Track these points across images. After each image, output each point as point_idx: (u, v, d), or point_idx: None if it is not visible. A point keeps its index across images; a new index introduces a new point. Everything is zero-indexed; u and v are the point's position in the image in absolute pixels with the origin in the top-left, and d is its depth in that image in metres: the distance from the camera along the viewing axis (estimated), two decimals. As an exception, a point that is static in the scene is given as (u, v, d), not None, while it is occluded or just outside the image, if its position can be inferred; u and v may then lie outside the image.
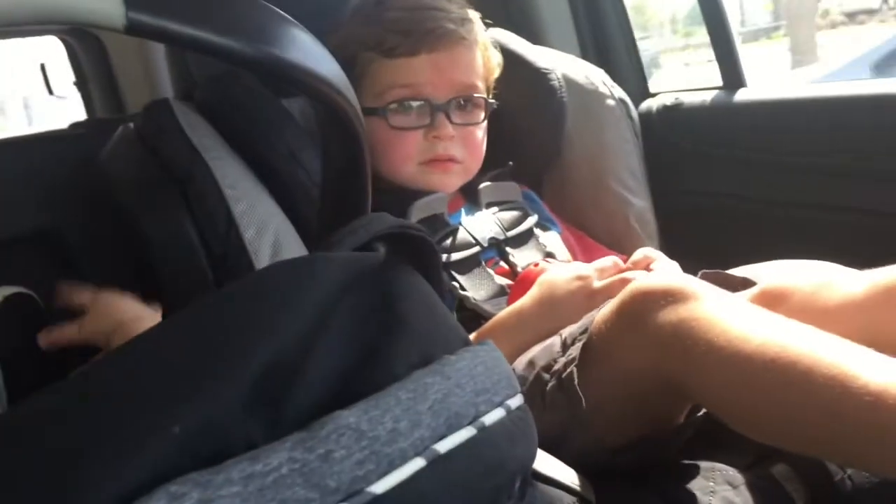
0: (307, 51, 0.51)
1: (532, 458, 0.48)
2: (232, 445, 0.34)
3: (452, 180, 1.12)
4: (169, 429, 0.33)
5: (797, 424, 0.63)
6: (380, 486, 0.36)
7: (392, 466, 0.37)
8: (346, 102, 0.53)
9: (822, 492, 0.75)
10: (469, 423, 0.42)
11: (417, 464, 0.38)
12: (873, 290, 0.79)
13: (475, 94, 1.11)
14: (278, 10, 0.51)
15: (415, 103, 1.08)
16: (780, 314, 0.83)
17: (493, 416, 0.44)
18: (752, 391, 0.65)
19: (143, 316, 0.82)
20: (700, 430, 0.80)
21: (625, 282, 0.93)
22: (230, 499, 0.32)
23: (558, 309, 0.92)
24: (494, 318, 0.97)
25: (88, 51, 2.18)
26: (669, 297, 0.70)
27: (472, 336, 0.95)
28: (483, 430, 0.42)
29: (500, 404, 0.45)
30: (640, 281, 0.75)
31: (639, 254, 0.99)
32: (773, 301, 0.84)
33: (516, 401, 0.47)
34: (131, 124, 1.08)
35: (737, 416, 0.69)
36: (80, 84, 2.19)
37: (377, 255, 0.46)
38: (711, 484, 0.76)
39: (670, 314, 0.69)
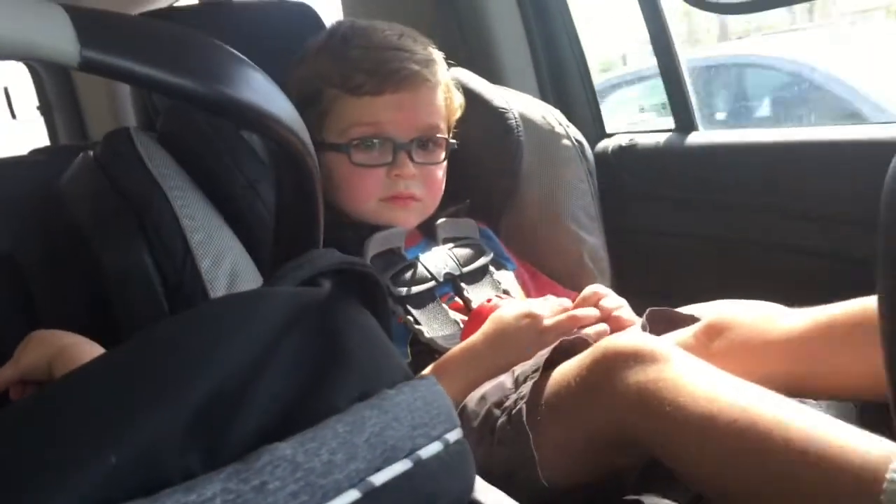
0: (260, 90, 0.52)
1: (469, 490, 0.49)
2: (169, 475, 0.35)
3: (411, 217, 1.14)
4: (105, 458, 0.33)
5: (754, 485, 0.64)
6: (313, 517, 0.37)
7: (326, 498, 0.38)
8: (299, 141, 0.54)
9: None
10: (405, 456, 0.43)
11: (352, 496, 0.39)
12: (812, 327, 0.82)
13: (437, 135, 1.13)
14: (232, 50, 0.52)
15: (377, 141, 1.09)
16: (721, 346, 0.85)
17: (429, 450, 0.45)
18: (710, 452, 0.66)
19: (80, 342, 0.81)
20: (645, 464, 0.82)
21: (574, 319, 0.95)
22: (163, 528, 0.32)
23: (508, 345, 0.94)
24: (447, 354, 0.98)
25: (54, 77, 2.18)
26: (639, 358, 0.72)
27: (427, 370, 0.97)
28: (419, 463, 0.43)
29: (438, 438, 0.46)
30: (611, 340, 0.78)
31: (588, 290, 1.01)
32: (716, 333, 0.87)
33: (454, 434, 0.48)
34: (91, 152, 1.09)
35: (696, 475, 0.70)
36: (44, 110, 2.19)
37: (321, 290, 0.48)
38: (653, 519, 0.78)
39: (638, 374, 0.71)
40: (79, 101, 2.14)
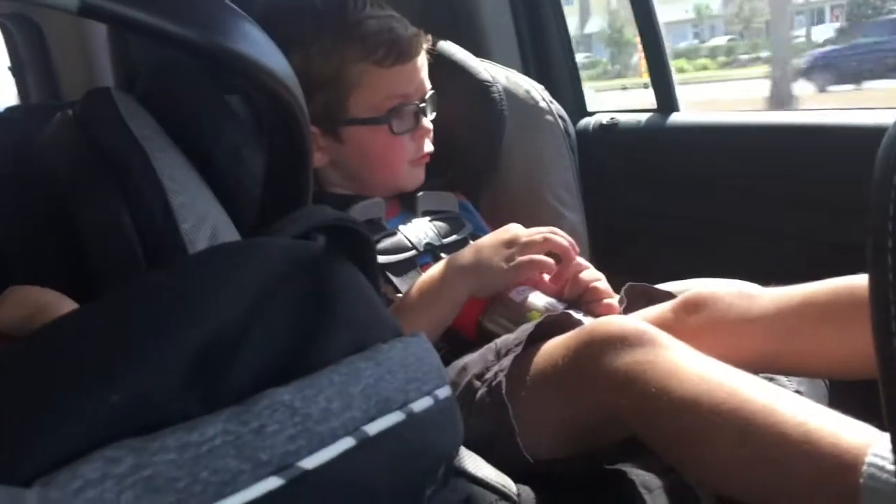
0: (256, 44, 0.52)
1: (457, 447, 0.50)
2: (168, 417, 0.35)
3: (423, 174, 1.18)
4: (107, 397, 0.34)
5: (736, 468, 0.66)
6: (310, 462, 0.37)
7: (322, 444, 0.38)
8: (292, 96, 0.54)
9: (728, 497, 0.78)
10: (398, 409, 0.43)
11: (347, 443, 0.39)
12: (789, 304, 0.84)
13: (430, 90, 1.16)
14: (229, 3, 0.52)
15: (408, 108, 1.12)
16: (699, 321, 0.87)
17: (421, 404, 0.45)
18: (694, 435, 0.68)
19: (61, 299, 0.81)
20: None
21: (535, 264, 0.98)
22: (164, 465, 0.33)
23: (483, 273, 0.98)
24: (417, 283, 1.00)
25: (25, 35, 2.14)
26: (626, 341, 0.73)
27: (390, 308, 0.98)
28: (411, 415, 0.44)
29: (429, 393, 0.46)
30: (600, 322, 0.79)
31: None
32: (694, 309, 0.89)
33: (444, 392, 0.49)
34: (70, 111, 1.07)
35: (680, 457, 0.72)
36: (16, 69, 2.15)
37: (317, 245, 0.48)
38: (629, 488, 0.79)
39: (626, 357, 0.72)
40: (51, 60, 2.10)
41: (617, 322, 0.77)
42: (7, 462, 0.31)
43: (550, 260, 0.98)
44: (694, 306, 0.89)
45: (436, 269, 0.99)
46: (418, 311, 0.96)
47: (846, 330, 0.79)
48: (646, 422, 0.72)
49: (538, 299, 0.98)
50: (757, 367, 0.84)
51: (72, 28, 1.94)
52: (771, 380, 0.82)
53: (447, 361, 0.91)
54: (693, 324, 0.88)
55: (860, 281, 0.78)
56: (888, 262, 0.38)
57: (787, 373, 0.88)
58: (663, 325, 0.89)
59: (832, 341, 0.81)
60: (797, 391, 0.86)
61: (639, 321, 0.78)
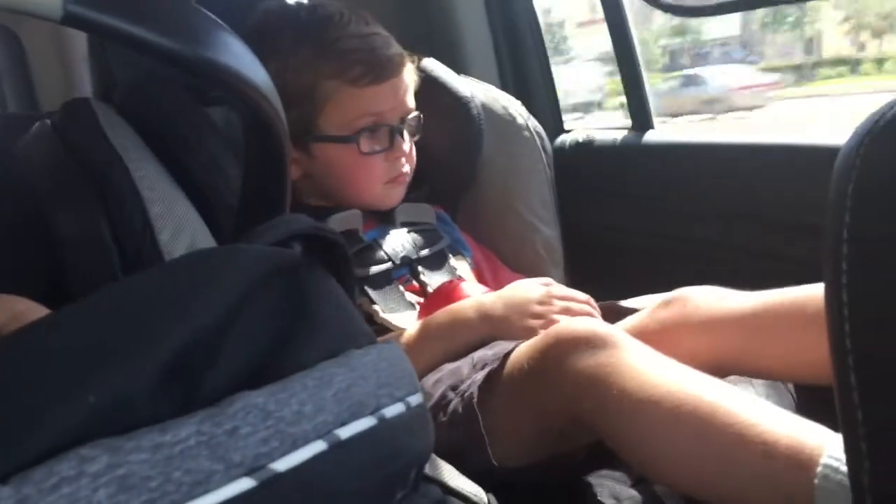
0: (238, 56, 0.53)
1: (428, 452, 0.51)
2: (144, 418, 0.36)
3: (402, 193, 1.17)
4: (84, 397, 0.34)
5: (693, 469, 0.67)
6: (282, 464, 0.38)
7: (295, 446, 0.39)
8: (272, 108, 0.55)
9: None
10: (370, 414, 0.44)
11: (319, 446, 0.40)
12: (757, 308, 0.86)
13: (413, 112, 1.15)
14: (212, 16, 0.53)
15: (381, 128, 1.11)
16: (673, 317, 0.89)
17: (393, 410, 0.46)
18: (654, 436, 0.69)
19: (35, 308, 0.80)
20: (593, 447, 0.85)
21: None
22: (138, 465, 0.33)
23: (502, 327, 0.97)
24: (401, 334, 1.00)
25: (3, 45, 2.13)
26: (590, 343, 0.74)
27: (386, 337, 0.99)
28: (383, 421, 0.45)
29: (401, 399, 0.47)
30: (564, 325, 0.80)
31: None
32: (665, 305, 0.91)
33: (416, 398, 0.49)
34: (48, 121, 1.07)
35: (641, 458, 0.73)
36: (-7, 78, 2.14)
37: (293, 252, 0.49)
38: (598, 498, 0.80)
39: (588, 359, 0.73)
40: (29, 70, 2.10)
41: (581, 324, 0.78)
42: (-17, 460, 0.32)
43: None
44: (666, 303, 0.91)
45: (464, 307, 1.00)
46: (435, 340, 0.97)
47: (812, 335, 0.81)
48: (608, 423, 0.73)
49: None
50: (724, 365, 0.87)
51: (50, 38, 1.94)
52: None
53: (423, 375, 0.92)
54: (664, 319, 0.91)
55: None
56: (842, 267, 0.40)
57: (753, 374, 0.90)
58: (639, 323, 0.92)
59: (798, 344, 0.82)
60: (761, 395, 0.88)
61: (603, 324, 0.80)
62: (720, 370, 0.86)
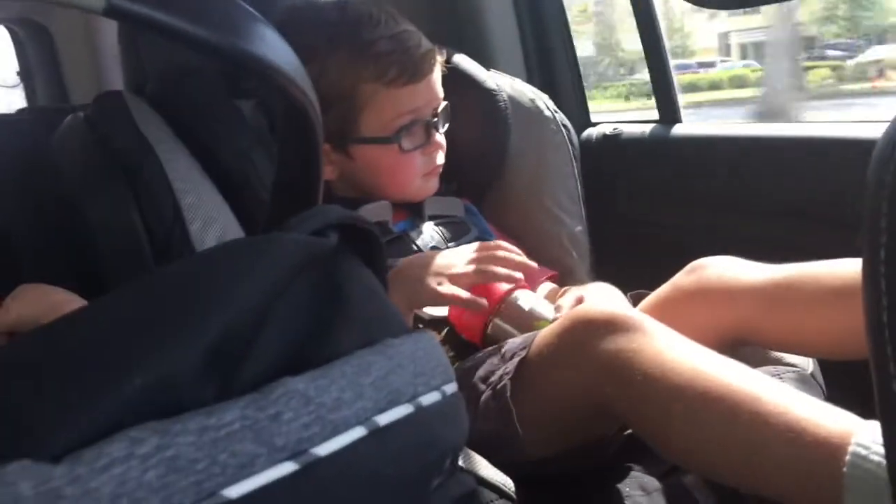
0: (272, 46, 0.54)
1: (462, 442, 0.51)
2: (188, 402, 0.36)
3: (436, 183, 1.19)
4: (131, 380, 0.35)
5: (721, 455, 0.67)
6: (323, 449, 0.38)
7: (335, 432, 0.39)
8: (307, 99, 0.56)
9: (729, 501, 0.79)
10: (407, 401, 0.45)
11: (358, 432, 0.41)
12: (779, 280, 0.86)
13: (444, 102, 1.16)
14: (247, 6, 0.54)
15: (418, 125, 1.12)
16: (690, 284, 0.89)
17: (429, 398, 0.47)
18: (681, 421, 0.69)
19: (73, 299, 0.81)
20: (625, 439, 0.85)
21: (456, 299, 0.93)
22: (186, 447, 0.34)
23: (415, 287, 0.94)
24: None
25: (35, 40, 2.16)
26: (611, 327, 0.74)
27: None
28: (420, 409, 0.45)
29: (437, 388, 0.48)
30: (584, 309, 0.79)
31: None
32: (689, 275, 0.94)
33: (451, 387, 0.50)
34: (81, 113, 1.09)
35: (666, 443, 0.72)
36: (25, 73, 2.17)
37: (330, 242, 0.49)
38: (627, 489, 0.80)
39: (610, 343, 0.73)
40: (60, 64, 2.12)
41: (602, 307, 0.77)
42: (37, 439, 0.32)
43: (476, 299, 0.93)
44: (691, 270, 0.92)
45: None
46: None
47: (834, 308, 0.81)
48: (632, 409, 0.73)
49: (545, 309, 0.99)
50: (741, 334, 0.87)
51: (81, 32, 1.96)
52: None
53: (453, 366, 0.92)
54: (687, 286, 0.92)
55: (856, 265, 0.81)
56: (880, 255, 0.40)
57: (769, 345, 0.90)
58: (661, 293, 0.92)
59: (813, 317, 0.83)
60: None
61: (624, 306, 0.80)
62: (737, 339, 0.87)
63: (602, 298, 1.08)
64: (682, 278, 0.95)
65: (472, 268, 0.94)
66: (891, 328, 0.40)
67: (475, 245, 1.00)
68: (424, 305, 0.95)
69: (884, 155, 0.42)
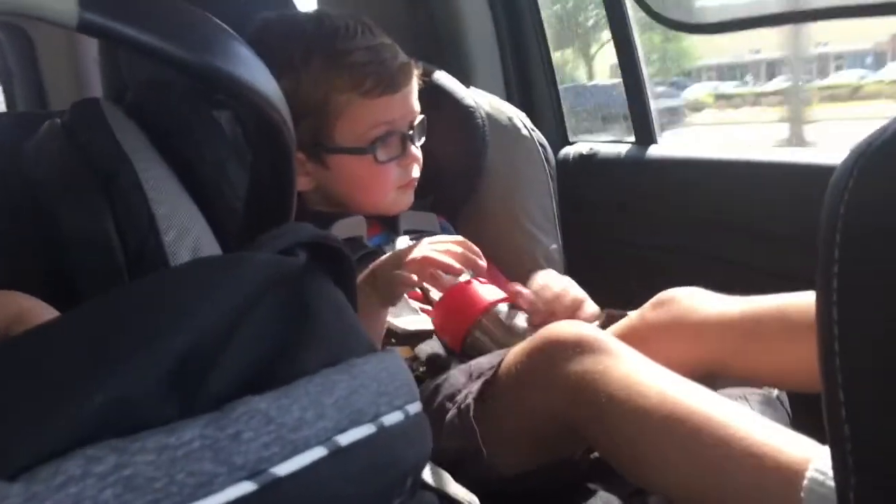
0: (248, 66, 0.54)
1: (425, 462, 0.52)
2: (148, 420, 0.37)
3: (411, 197, 1.19)
4: (90, 398, 0.35)
5: (683, 478, 0.68)
6: (283, 469, 0.39)
7: (296, 451, 0.40)
8: (280, 117, 0.56)
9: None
10: (369, 421, 0.45)
11: (319, 452, 0.41)
12: (746, 314, 0.87)
13: (420, 115, 1.17)
14: (223, 24, 0.54)
15: (394, 136, 1.12)
16: (660, 318, 0.90)
17: (392, 418, 0.47)
18: (644, 444, 0.70)
19: (40, 305, 0.81)
20: (593, 458, 0.85)
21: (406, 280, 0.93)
22: (144, 466, 0.34)
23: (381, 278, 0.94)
24: None
25: (16, 45, 2.15)
26: (578, 348, 0.74)
27: None
28: (382, 429, 0.46)
29: (400, 408, 0.48)
30: (553, 329, 0.80)
31: (540, 282, 1.05)
32: (657, 306, 0.93)
33: (414, 407, 0.50)
34: (58, 119, 1.09)
35: (630, 465, 0.73)
36: (4, 78, 2.16)
37: (298, 260, 0.49)
38: (591, 508, 0.81)
39: (577, 364, 0.74)
40: (40, 70, 2.11)
41: (571, 328, 0.78)
42: (-8, 457, 0.32)
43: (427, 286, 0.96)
44: (659, 304, 0.92)
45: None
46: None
47: (792, 342, 0.82)
48: (597, 430, 0.73)
49: (524, 323, 1.00)
50: (711, 368, 0.88)
51: (62, 40, 1.95)
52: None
53: (422, 382, 0.92)
54: (655, 320, 0.92)
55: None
56: (832, 284, 0.41)
57: (739, 378, 0.91)
58: (628, 324, 0.93)
59: (780, 350, 0.84)
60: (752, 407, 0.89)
61: (591, 328, 0.80)
62: (707, 373, 0.88)
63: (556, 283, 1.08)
64: (650, 312, 0.94)
65: (423, 254, 0.94)
66: (842, 356, 0.41)
67: (438, 237, 1.01)
68: (393, 297, 0.94)
69: (839, 184, 0.43)
